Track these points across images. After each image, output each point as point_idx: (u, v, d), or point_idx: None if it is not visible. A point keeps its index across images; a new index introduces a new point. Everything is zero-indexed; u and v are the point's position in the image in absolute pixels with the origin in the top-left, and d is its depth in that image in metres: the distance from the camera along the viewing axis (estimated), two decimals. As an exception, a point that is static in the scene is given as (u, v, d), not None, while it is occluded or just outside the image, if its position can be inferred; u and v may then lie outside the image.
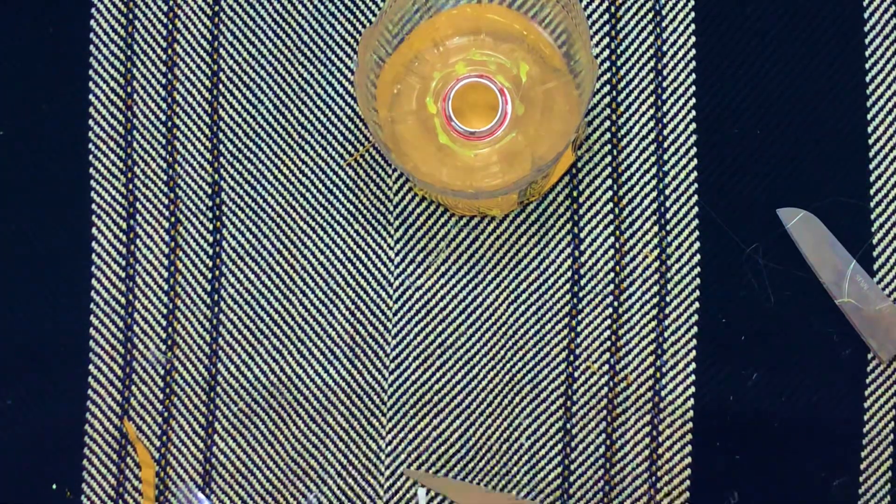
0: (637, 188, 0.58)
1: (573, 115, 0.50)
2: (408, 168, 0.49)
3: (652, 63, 0.58)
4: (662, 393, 0.58)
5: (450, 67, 0.50)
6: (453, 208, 0.58)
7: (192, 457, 0.59)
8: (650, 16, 0.59)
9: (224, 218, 0.59)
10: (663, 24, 0.58)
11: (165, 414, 0.59)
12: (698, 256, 0.57)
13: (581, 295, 0.58)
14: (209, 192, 0.59)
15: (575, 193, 0.58)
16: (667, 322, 0.58)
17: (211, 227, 0.59)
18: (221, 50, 0.59)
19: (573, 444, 0.58)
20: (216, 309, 0.59)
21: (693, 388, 0.57)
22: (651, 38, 0.59)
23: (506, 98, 0.49)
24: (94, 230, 0.59)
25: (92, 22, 0.59)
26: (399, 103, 0.51)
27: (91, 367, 0.59)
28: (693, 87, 0.58)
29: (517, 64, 0.50)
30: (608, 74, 0.58)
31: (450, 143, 0.50)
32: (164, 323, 0.59)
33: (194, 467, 0.59)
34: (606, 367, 0.58)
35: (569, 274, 0.58)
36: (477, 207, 0.56)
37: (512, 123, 0.50)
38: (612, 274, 0.58)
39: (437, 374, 0.58)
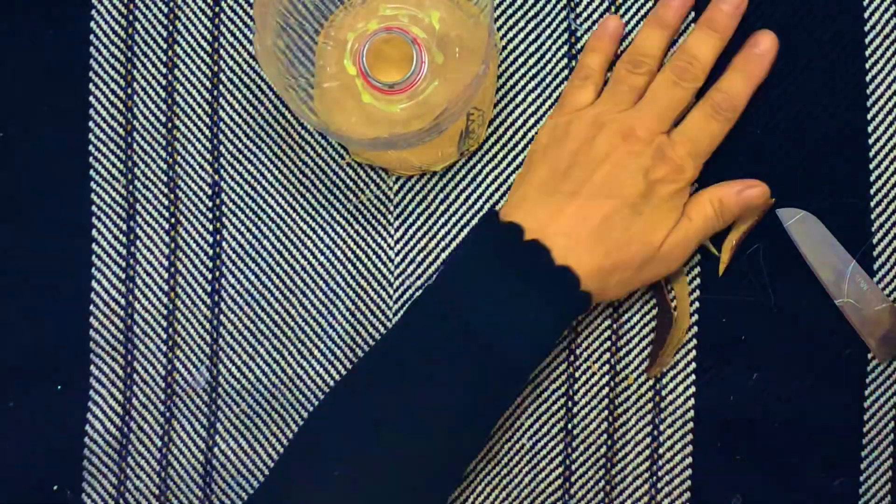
0: (637, 188, 0.58)
1: (479, 53, 0.50)
2: (332, 130, 0.49)
3: (652, 63, 0.58)
4: (663, 393, 0.58)
5: (362, 28, 0.51)
6: (393, 170, 0.58)
7: (192, 457, 0.59)
8: (650, 16, 0.58)
9: (224, 219, 0.59)
10: (663, 24, 0.58)
11: (167, 414, 0.59)
12: (698, 257, 0.57)
13: (581, 295, 0.58)
14: (209, 192, 0.59)
15: (575, 193, 0.58)
16: (667, 322, 0.58)
17: (211, 228, 0.59)
18: (222, 51, 0.59)
19: (574, 445, 0.58)
20: (216, 310, 0.59)
21: (693, 388, 0.57)
22: (651, 38, 0.58)
23: (420, 47, 0.49)
24: (94, 231, 0.59)
25: (92, 23, 0.59)
26: (319, 70, 0.51)
27: (92, 367, 0.59)
28: (693, 87, 0.58)
29: (428, 12, 0.51)
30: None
31: (374, 102, 0.51)
32: (164, 324, 0.59)
33: (195, 468, 0.59)
34: (607, 367, 0.58)
35: (569, 274, 0.58)
36: (418, 166, 0.57)
37: (431, 73, 0.50)
38: (613, 274, 0.58)
39: (438, 375, 0.58)
